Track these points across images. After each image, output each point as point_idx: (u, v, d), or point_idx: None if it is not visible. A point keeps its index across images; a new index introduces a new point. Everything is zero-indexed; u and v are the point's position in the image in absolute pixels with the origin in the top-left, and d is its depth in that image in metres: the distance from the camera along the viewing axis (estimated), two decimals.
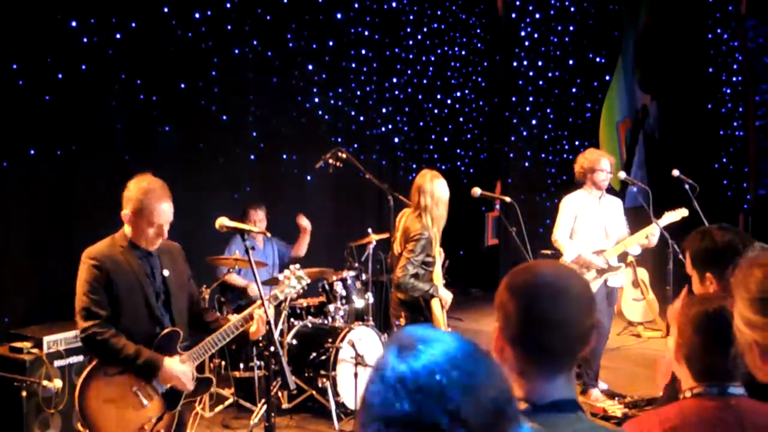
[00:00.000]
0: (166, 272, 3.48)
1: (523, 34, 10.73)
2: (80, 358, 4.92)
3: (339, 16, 8.72)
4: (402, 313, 4.94)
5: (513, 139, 10.74)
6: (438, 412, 1.04)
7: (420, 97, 10.10)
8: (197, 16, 7.07)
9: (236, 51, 7.47)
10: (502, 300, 1.53)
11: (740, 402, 1.95)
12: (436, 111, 10.46)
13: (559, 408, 1.48)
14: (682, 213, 5.81)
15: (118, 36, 6.35)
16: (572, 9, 10.89)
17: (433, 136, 10.45)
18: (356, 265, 6.29)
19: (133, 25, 6.46)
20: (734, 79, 10.48)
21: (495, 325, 1.55)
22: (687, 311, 2.04)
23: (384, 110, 9.44)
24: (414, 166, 9.61)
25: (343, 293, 6.04)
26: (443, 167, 9.70)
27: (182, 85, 6.97)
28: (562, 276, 1.54)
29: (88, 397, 3.33)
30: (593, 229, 5.88)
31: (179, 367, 3.37)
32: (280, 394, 5.61)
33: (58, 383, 4.70)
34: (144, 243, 3.41)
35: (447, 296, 4.92)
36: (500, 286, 1.55)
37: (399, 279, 4.79)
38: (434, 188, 4.87)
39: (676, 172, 5.85)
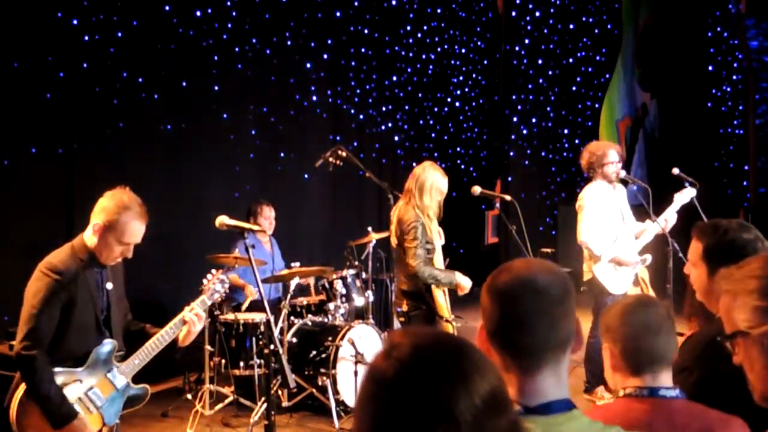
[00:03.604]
0: (109, 285, 3.37)
1: (523, 32, 10.74)
2: None
3: (338, 14, 8.72)
4: (404, 301, 4.95)
5: (513, 137, 10.76)
6: (429, 408, 1.05)
7: (420, 95, 10.10)
8: (198, 14, 7.07)
9: (236, 49, 7.48)
10: (483, 302, 1.57)
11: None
12: (436, 109, 10.46)
13: (550, 409, 1.47)
14: (690, 193, 5.71)
15: (119, 34, 6.35)
16: (572, 7, 10.90)
17: (433, 135, 10.45)
18: (356, 263, 6.29)
19: (134, 23, 6.46)
20: (734, 77, 10.49)
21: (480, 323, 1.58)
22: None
23: (384, 108, 9.44)
24: (414, 164, 9.56)
25: (343, 291, 6.05)
26: (443, 165, 9.69)
27: (183, 84, 6.98)
28: (541, 277, 1.52)
29: (28, 412, 3.17)
30: (616, 221, 5.81)
31: (86, 427, 3.20)
32: (280, 392, 5.61)
33: None
34: (104, 258, 3.26)
35: (466, 282, 4.92)
36: (483, 288, 1.58)
37: (415, 269, 4.78)
38: (428, 175, 4.91)
39: (676, 171, 5.84)
